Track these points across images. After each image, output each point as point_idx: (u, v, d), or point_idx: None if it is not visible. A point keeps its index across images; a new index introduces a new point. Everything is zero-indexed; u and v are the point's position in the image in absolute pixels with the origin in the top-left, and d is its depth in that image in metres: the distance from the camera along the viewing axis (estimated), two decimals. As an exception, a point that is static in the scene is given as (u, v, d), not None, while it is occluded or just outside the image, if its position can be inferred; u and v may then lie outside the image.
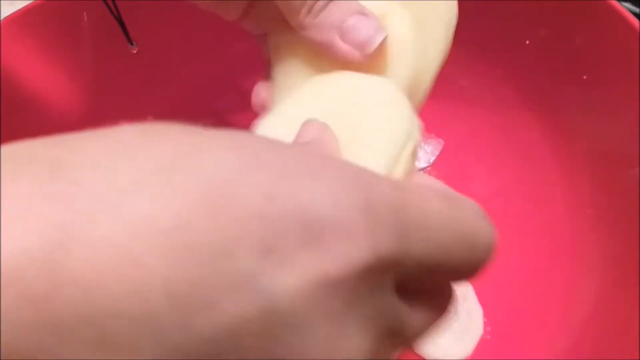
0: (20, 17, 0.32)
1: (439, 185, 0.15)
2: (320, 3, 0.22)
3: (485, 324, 0.37)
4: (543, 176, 0.38)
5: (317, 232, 0.11)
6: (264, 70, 0.27)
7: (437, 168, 0.42)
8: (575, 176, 0.36)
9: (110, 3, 0.29)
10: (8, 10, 0.33)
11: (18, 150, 0.11)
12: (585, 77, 0.34)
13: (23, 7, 0.32)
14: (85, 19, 0.33)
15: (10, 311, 0.09)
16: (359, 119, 0.21)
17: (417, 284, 0.14)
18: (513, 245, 0.39)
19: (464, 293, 0.38)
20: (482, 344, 0.36)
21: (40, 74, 0.33)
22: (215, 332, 0.10)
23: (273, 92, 0.25)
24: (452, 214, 0.13)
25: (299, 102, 0.23)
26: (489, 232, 0.15)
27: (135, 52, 0.31)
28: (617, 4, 0.31)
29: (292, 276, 0.11)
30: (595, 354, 0.31)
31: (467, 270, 0.14)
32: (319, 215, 0.11)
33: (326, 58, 0.23)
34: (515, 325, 0.36)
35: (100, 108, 0.35)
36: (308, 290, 0.11)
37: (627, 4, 0.41)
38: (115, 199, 0.10)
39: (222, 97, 0.40)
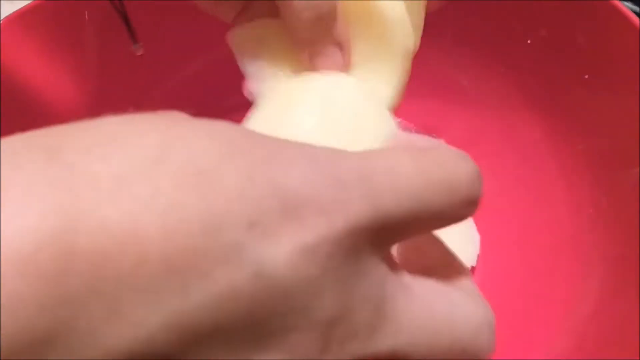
0: (21, 17, 0.31)
1: (419, 140, 0.16)
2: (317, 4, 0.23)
3: (486, 324, 0.37)
4: (543, 175, 0.38)
5: (294, 208, 0.12)
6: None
7: (437, 167, 0.42)
8: (575, 175, 0.36)
9: (117, 2, 0.29)
10: (8, 9, 0.33)
11: (14, 140, 0.12)
12: (586, 76, 0.34)
13: (24, 7, 0.32)
14: (87, 17, 0.33)
15: (28, 292, 0.10)
16: (343, 121, 0.22)
17: (411, 245, 0.16)
18: (513, 244, 0.39)
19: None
20: (482, 344, 0.36)
21: (41, 74, 0.33)
22: (209, 299, 0.11)
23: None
24: (420, 164, 0.15)
25: (278, 109, 0.23)
26: (466, 169, 0.15)
27: (139, 54, 0.31)
28: (618, 3, 0.31)
29: (276, 246, 0.12)
30: (597, 354, 0.31)
31: (452, 212, 0.15)
32: (295, 194, 0.13)
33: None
34: (515, 325, 0.36)
35: (102, 107, 0.35)
36: (290, 258, 0.12)
37: (628, 4, 0.41)
38: (111, 183, 0.11)
39: (227, 96, 0.40)
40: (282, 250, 0.12)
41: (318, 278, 0.12)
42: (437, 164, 0.15)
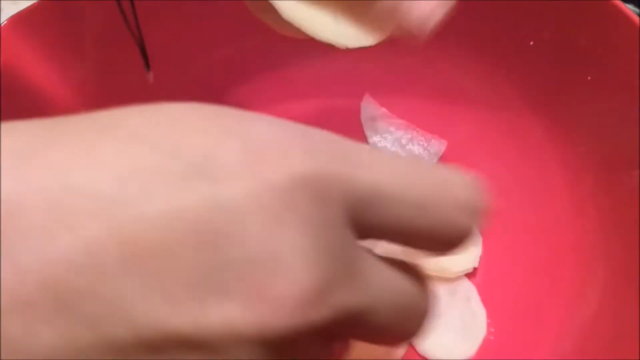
0: (24, 17, 0.31)
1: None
2: None
3: (489, 325, 0.37)
4: (546, 177, 0.38)
5: (256, 148, 0.13)
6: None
7: (440, 169, 0.42)
8: (578, 177, 0.36)
9: (133, 24, 0.29)
10: (11, 10, 0.33)
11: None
12: (589, 78, 0.34)
13: (26, 7, 0.32)
14: (90, 18, 0.33)
15: None
16: None
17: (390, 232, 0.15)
18: (516, 246, 0.39)
19: (467, 293, 0.38)
20: (485, 345, 0.36)
21: (44, 74, 0.33)
22: (155, 213, 0.12)
23: None
24: (410, 161, 0.15)
25: None
26: (462, 177, 0.15)
27: (151, 81, 0.31)
28: (621, 5, 0.31)
29: (233, 177, 0.12)
30: (600, 355, 0.31)
31: (448, 215, 0.15)
32: (259, 137, 0.13)
33: None
34: (518, 326, 0.37)
35: (106, 108, 0.35)
36: (246, 190, 0.12)
37: (631, 5, 0.41)
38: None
39: (229, 97, 0.40)
40: (239, 179, 0.12)
41: (279, 211, 0.12)
42: (428, 165, 0.15)
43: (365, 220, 0.14)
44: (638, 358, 0.28)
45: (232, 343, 0.12)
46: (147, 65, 0.30)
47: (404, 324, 0.16)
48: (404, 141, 0.42)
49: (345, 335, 0.15)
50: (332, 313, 0.13)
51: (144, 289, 0.11)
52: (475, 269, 0.39)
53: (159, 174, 0.12)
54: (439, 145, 0.42)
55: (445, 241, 0.15)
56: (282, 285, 0.12)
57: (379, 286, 0.14)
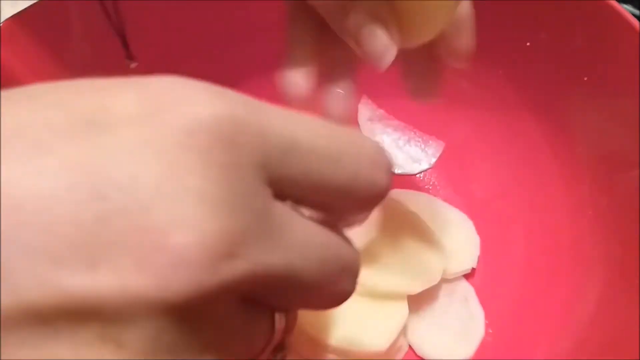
0: (23, 18, 0.31)
1: None
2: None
3: (487, 326, 0.37)
4: (544, 177, 0.38)
5: (156, 96, 0.12)
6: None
7: (438, 169, 0.42)
8: (575, 177, 0.36)
9: (112, 14, 0.29)
10: (10, 11, 0.33)
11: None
12: (585, 78, 0.34)
13: (25, 8, 0.32)
14: (89, 19, 0.33)
15: None
16: None
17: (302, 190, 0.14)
18: (514, 246, 0.39)
19: (465, 294, 0.38)
20: (483, 346, 0.36)
21: (42, 75, 0.33)
22: (43, 172, 0.11)
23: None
24: (321, 121, 0.14)
25: None
26: (370, 140, 0.15)
27: (133, 67, 0.31)
28: (617, 6, 0.31)
29: (128, 124, 0.12)
30: (598, 355, 0.31)
31: (362, 172, 0.14)
32: (160, 88, 0.13)
33: None
34: (516, 327, 0.36)
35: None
36: (140, 135, 0.12)
37: (628, 6, 0.41)
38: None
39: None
40: (134, 126, 0.12)
41: (179, 153, 0.11)
42: (338, 125, 0.15)
43: (281, 174, 0.13)
44: (637, 358, 0.28)
45: (133, 311, 0.10)
46: (129, 55, 0.31)
47: (336, 282, 0.14)
48: (401, 142, 0.42)
49: (276, 302, 0.14)
50: (249, 270, 0.12)
51: (27, 250, 0.10)
52: (473, 269, 0.39)
53: (47, 128, 0.11)
54: (436, 146, 0.42)
55: (361, 199, 0.15)
56: (182, 235, 0.11)
57: (303, 241, 0.13)
